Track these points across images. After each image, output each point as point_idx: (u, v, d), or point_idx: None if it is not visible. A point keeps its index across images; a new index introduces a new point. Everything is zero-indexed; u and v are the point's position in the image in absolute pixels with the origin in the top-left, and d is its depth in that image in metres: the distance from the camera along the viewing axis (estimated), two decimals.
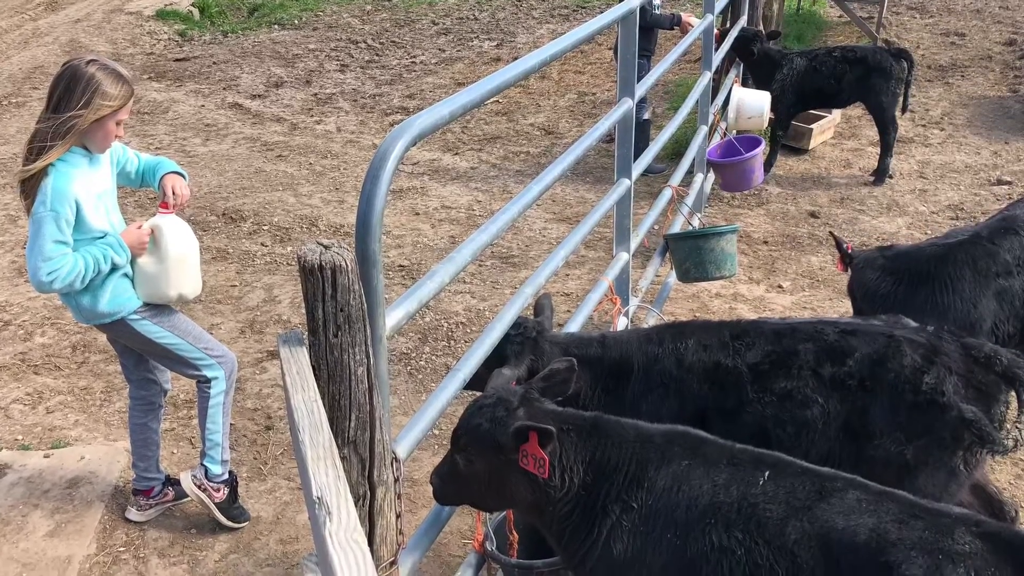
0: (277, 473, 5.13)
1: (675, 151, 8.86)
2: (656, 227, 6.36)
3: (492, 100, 11.10)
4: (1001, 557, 2.58)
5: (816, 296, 6.82)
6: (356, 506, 2.19)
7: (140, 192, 8.53)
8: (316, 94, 12.33)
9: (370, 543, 2.76)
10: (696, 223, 6.70)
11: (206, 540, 4.67)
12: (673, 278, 6.47)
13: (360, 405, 2.66)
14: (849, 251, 5.04)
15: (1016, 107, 10.38)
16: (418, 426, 3.06)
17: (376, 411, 2.71)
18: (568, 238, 4.60)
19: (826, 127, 9.77)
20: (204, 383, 4.56)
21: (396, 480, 2.89)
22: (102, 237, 4.10)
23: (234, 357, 4.71)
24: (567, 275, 7.22)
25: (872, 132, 9.12)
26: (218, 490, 4.65)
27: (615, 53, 5.71)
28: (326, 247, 2.54)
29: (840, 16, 13.46)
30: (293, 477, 5.04)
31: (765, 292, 6.92)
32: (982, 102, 10.60)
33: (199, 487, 4.64)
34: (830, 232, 5.76)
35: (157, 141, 10.56)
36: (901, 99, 8.62)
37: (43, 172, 3.97)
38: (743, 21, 9.28)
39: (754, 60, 8.94)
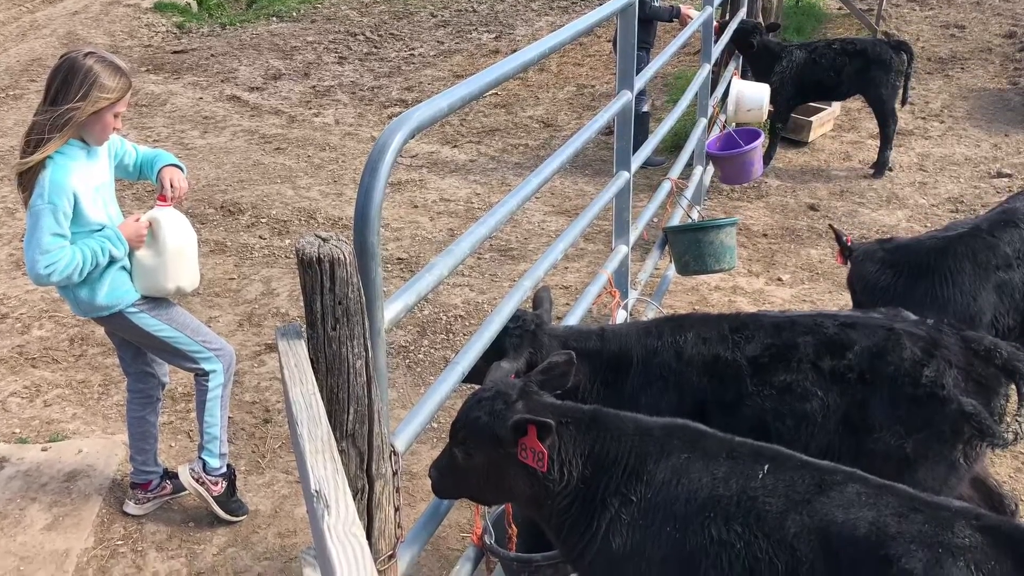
0: (275, 466, 5.12)
1: (674, 144, 8.85)
2: (655, 220, 6.35)
3: (491, 92, 11.08)
4: (1001, 551, 2.58)
5: (815, 289, 6.81)
6: (354, 500, 2.18)
7: (138, 185, 8.51)
8: (314, 87, 12.32)
9: (368, 537, 2.75)
10: (695, 216, 6.69)
11: (204, 534, 4.66)
12: (672, 271, 6.46)
13: (358, 398, 2.65)
14: (848, 244, 5.03)
15: (1016, 99, 10.37)
16: (417, 419, 3.05)
17: (374, 404, 2.70)
18: (567, 231, 4.59)
19: (825, 120, 9.75)
20: (202, 376, 4.55)
21: (395, 473, 2.88)
22: (100, 230, 4.09)
23: (232, 350, 4.70)
24: (566, 268, 7.21)
25: (872, 125, 9.11)
26: (216, 483, 4.64)
27: (614, 45, 5.69)
28: (324, 240, 2.53)
29: (839, 8, 13.44)
30: (291, 470, 5.04)
31: (764, 285, 6.91)
32: (982, 94, 10.59)
33: (197, 480, 4.63)
34: (830, 225, 5.75)
35: (155, 133, 10.54)
36: (901, 92, 8.61)
37: (40, 165, 3.95)
38: (742, 13, 9.27)
39: (753, 52, 8.93)
